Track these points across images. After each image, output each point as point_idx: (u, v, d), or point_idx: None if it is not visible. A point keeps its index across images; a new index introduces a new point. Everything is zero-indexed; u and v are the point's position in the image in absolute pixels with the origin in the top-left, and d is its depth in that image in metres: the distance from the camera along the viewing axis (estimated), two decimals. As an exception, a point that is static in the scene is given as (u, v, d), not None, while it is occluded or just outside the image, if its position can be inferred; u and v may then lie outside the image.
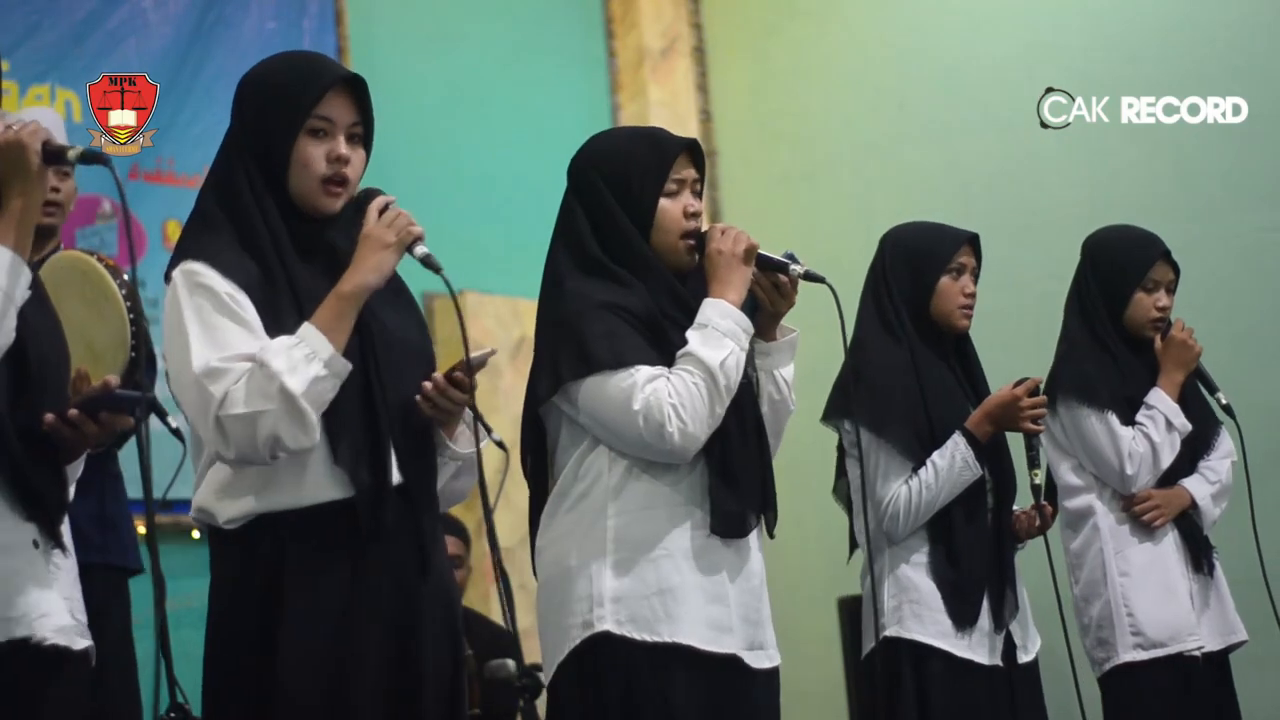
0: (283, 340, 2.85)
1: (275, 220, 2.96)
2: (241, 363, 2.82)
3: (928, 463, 4.01)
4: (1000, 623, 4.03)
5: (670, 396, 3.10)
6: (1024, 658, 4.08)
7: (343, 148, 2.98)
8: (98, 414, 2.59)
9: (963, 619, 3.97)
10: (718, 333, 3.16)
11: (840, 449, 4.20)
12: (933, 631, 3.97)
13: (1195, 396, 4.61)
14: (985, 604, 4.01)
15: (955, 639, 3.97)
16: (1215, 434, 4.62)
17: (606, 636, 3.12)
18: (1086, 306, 4.57)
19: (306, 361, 2.82)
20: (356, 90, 3.01)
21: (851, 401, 4.04)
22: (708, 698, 3.15)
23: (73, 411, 2.57)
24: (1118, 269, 4.54)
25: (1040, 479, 4.17)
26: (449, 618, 3.05)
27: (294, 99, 2.97)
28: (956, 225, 4.26)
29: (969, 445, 4.02)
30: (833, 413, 4.15)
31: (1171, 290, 4.58)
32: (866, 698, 4.16)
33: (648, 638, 3.12)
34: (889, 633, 3.99)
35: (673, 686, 3.11)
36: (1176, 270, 4.59)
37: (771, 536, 3.33)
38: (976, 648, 3.99)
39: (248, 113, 3.03)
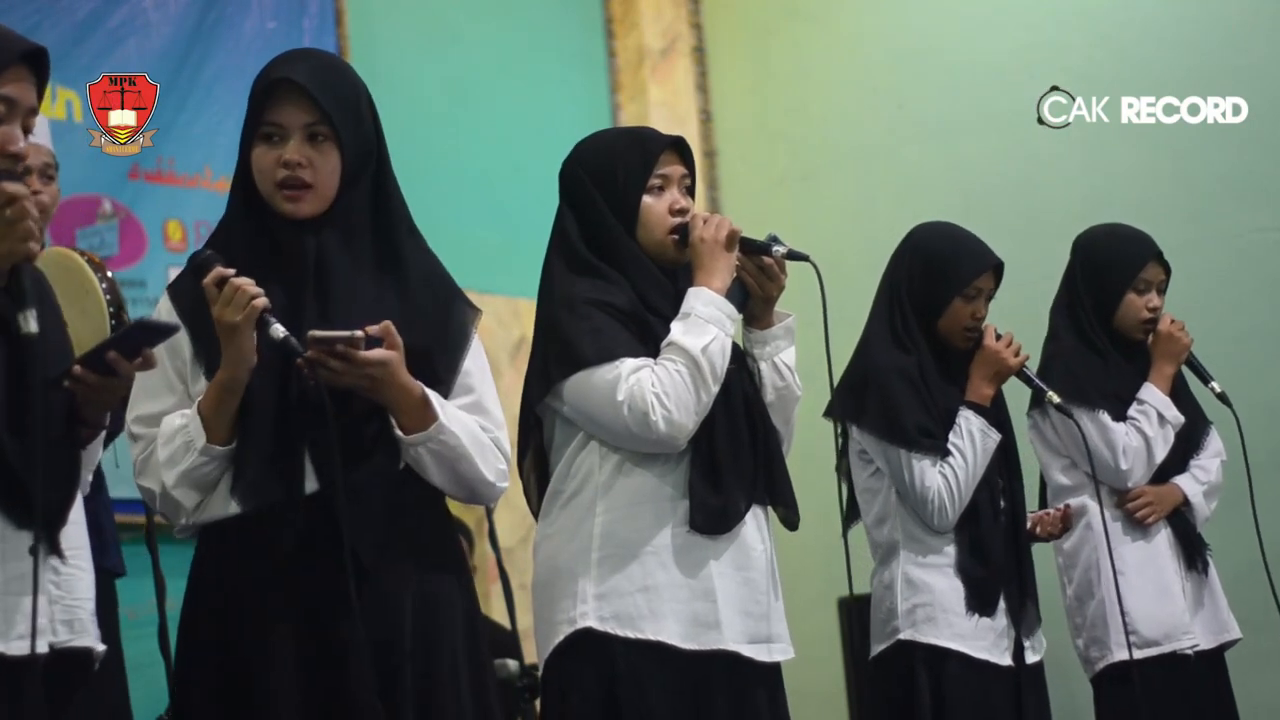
0: (173, 424, 2.90)
1: (240, 227, 2.96)
2: (150, 429, 2.93)
3: (949, 447, 4.00)
4: (1024, 628, 4.01)
5: (654, 386, 3.09)
6: (1032, 658, 4.06)
7: (292, 152, 2.92)
8: (135, 354, 2.54)
9: (979, 609, 3.95)
10: (700, 320, 3.15)
11: (845, 435, 4.17)
12: (948, 634, 3.95)
13: (1185, 396, 4.58)
14: (1002, 603, 3.99)
15: (971, 640, 3.95)
16: (1205, 434, 4.59)
17: (589, 633, 3.12)
18: (1075, 307, 4.52)
19: (185, 451, 2.88)
20: (312, 89, 2.91)
21: (862, 409, 4.05)
22: (693, 696, 3.13)
23: (111, 353, 2.52)
24: (1109, 269, 4.50)
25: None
26: (429, 628, 2.92)
27: (253, 102, 2.98)
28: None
29: (976, 414, 4.03)
30: (840, 412, 4.13)
31: (1162, 291, 4.54)
32: (874, 699, 4.12)
33: (630, 634, 3.11)
34: (903, 636, 3.98)
35: (653, 683, 3.10)
36: (1168, 270, 4.55)
37: (792, 528, 3.29)
38: (993, 648, 3.97)
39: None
